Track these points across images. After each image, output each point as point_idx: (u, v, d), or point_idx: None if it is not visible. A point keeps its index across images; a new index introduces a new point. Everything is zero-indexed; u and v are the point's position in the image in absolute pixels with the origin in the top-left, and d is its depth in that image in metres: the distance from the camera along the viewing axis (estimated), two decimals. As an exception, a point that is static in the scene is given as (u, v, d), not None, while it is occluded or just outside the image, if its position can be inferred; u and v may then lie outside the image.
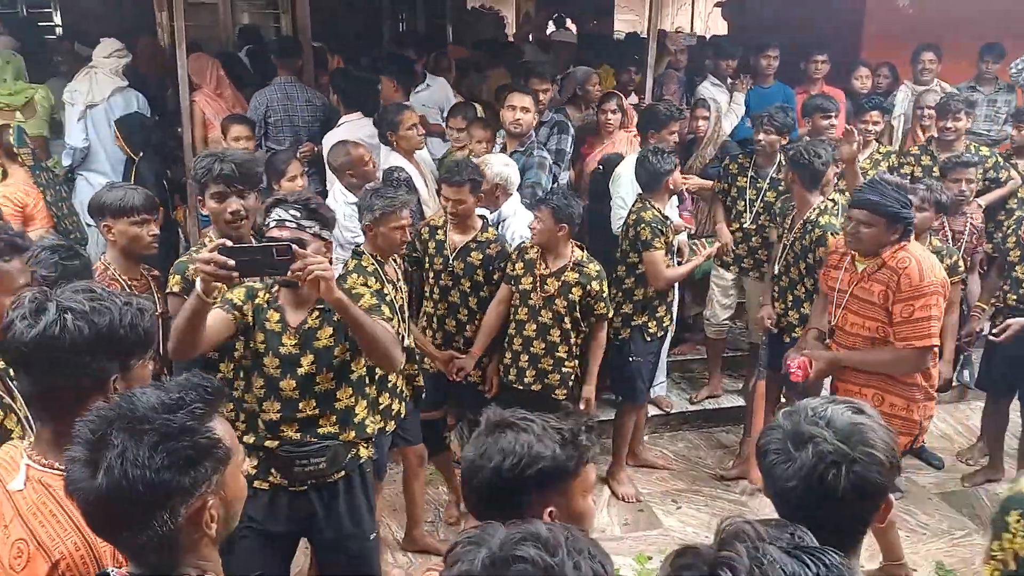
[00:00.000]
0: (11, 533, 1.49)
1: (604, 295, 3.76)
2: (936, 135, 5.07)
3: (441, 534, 4.01)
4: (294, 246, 2.19)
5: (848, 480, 1.40)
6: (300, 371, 2.51)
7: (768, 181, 4.68)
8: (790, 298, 4.12)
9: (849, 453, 1.41)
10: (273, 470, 2.57)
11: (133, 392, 1.30)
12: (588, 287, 3.70)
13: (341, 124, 4.78)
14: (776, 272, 4.19)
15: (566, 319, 3.72)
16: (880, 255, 3.11)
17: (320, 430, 2.56)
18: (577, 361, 3.85)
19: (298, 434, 2.54)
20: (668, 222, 4.14)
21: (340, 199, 3.98)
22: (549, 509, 1.49)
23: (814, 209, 3.99)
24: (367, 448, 2.72)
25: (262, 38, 7.82)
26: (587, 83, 5.77)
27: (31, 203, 4.15)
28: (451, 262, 3.74)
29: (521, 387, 3.79)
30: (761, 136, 4.59)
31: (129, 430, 1.21)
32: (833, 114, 4.82)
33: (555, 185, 4.50)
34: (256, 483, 2.55)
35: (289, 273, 2.19)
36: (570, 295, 3.70)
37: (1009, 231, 4.22)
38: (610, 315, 3.90)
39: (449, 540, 3.33)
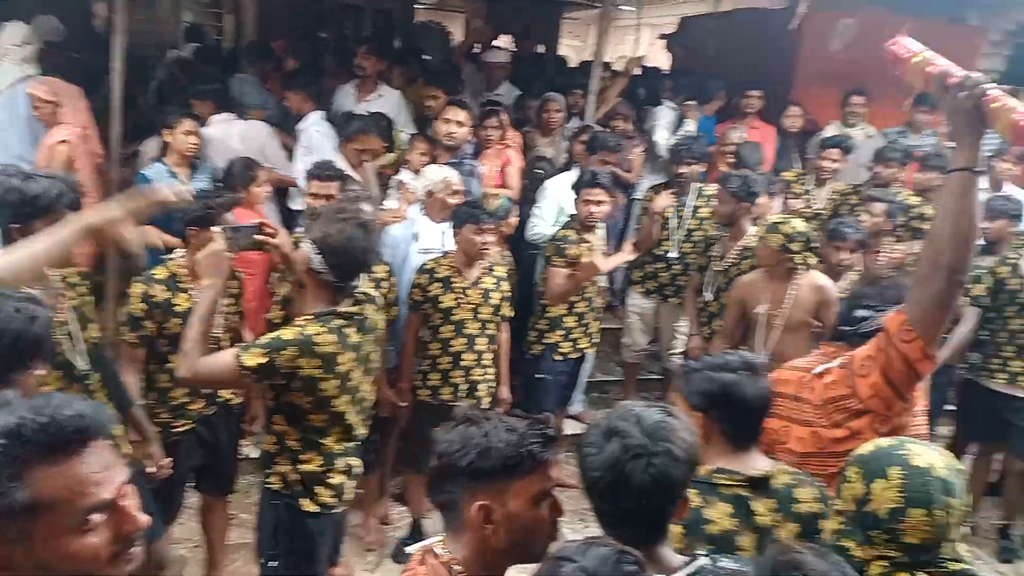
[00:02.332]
0: None
1: (509, 296, 3.82)
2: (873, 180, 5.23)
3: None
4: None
5: (648, 473, 1.49)
6: None
7: (690, 210, 4.81)
8: (718, 324, 4.22)
9: (651, 447, 1.50)
10: None
11: None
12: (500, 287, 3.75)
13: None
14: (707, 299, 4.29)
15: (490, 324, 3.75)
16: None
17: None
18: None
19: None
20: (580, 242, 4.13)
21: None
22: (479, 503, 1.52)
23: (751, 236, 4.15)
24: None
25: (205, 38, 7.68)
26: (544, 109, 5.68)
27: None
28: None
29: (458, 403, 3.76)
30: (684, 168, 4.74)
31: None
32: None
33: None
34: None
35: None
36: (491, 299, 3.73)
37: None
38: (511, 316, 3.92)
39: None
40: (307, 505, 2.59)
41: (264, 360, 2.35)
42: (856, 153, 5.63)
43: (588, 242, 4.18)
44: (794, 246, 3.66)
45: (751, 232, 4.17)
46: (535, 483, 1.55)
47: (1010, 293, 4.07)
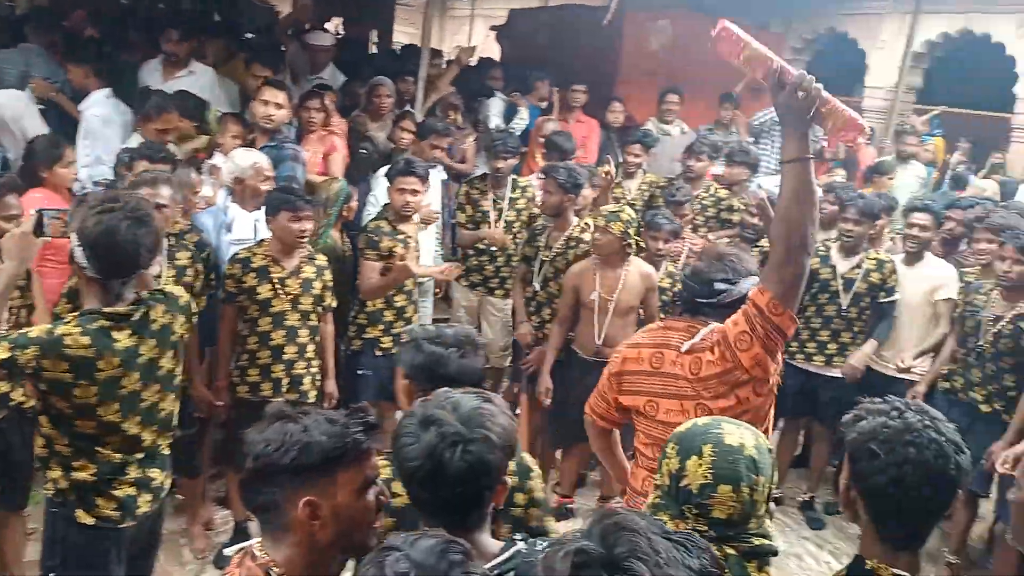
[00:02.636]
0: None
1: (331, 285, 3.72)
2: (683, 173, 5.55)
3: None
4: None
5: (463, 459, 1.52)
6: None
7: (507, 202, 4.88)
8: (547, 312, 4.32)
9: (467, 434, 1.53)
10: None
11: None
12: (322, 276, 3.65)
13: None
14: (536, 288, 4.37)
15: (312, 315, 3.64)
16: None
17: None
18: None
19: None
20: (395, 234, 4.05)
21: None
22: (305, 500, 1.48)
23: (576, 226, 4.25)
24: None
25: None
26: (374, 94, 5.62)
27: None
28: None
29: (280, 399, 3.62)
30: (500, 163, 4.79)
31: None
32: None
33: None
34: None
35: None
36: (313, 289, 3.62)
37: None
38: (334, 305, 3.82)
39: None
40: (83, 517, 2.40)
41: (6, 356, 2.17)
42: (672, 148, 5.97)
43: (403, 233, 4.08)
44: (631, 233, 3.87)
45: (574, 223, 4.30)
46: (360, 472, 1.54)
47: (822, 282, 4.39)
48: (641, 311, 4.09)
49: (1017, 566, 3.27)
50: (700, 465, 1.67)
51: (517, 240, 4.75)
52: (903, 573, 1.52)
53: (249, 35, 7.01)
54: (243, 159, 3.89)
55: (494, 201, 4.85)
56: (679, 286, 4.15)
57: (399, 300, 4.13)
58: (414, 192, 4.01)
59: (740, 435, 1.71)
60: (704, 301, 2.43)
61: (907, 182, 6.60)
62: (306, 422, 1.51)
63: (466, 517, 1.58)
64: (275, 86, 4.48)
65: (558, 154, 5.08)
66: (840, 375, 4.42)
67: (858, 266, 4.36)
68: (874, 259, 4.37)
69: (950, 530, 4.12)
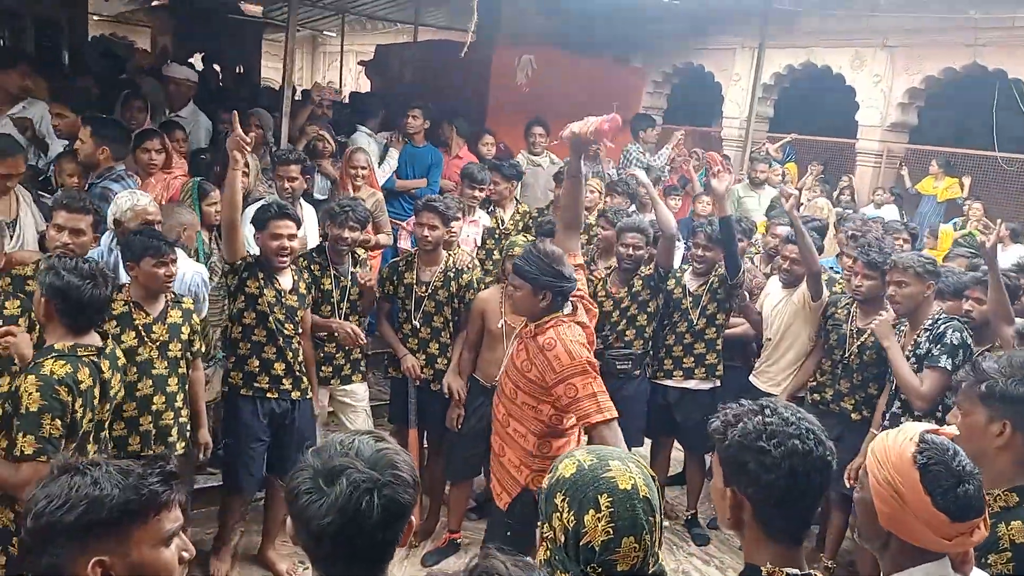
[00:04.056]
0: None
1: (199, 329, 3.56)
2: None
3: None
4: None
5: (380, 505, 1.45)
6: None
7: (351, 280, 4.21)
8: (435, 346, 4.25)
9: (379, 478, 1.47)
10: None
11: None
12: (190, 321, 3.48)
13: None
14: (415, 324, 4.27)
15: (181, 363, 3.44)
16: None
17: None
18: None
19: None
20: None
21: None
22: (97, 559, 1.37)
23: (448, 258, 4.25)
24: None
25: None
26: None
27: None
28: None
29: (148, 451, 3.38)
30: (345, 232, 4.04)
31: None
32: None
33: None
34: None
35: None
36: (182, 335, 3.43)
37: (599, 285, 4.86)
38: (203, 351, 3.66)
39: None
40: None
41: None
42: (544, 179, 6.11)
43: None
44: None
45: (445, 255, 4.26)
46: (161, 525, 1.44)
47: (675, 301, 4.57)
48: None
49: (873, 563, 3.44)
50: (599, 519, 1.59)
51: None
52: (796, 571, 1.52)
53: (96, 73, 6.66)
54: (123, 201, 3.66)
55: (336, 279, 4.14)
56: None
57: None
58: (292, 236, 3.74)
59: (629, 474, 1.65)
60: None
61: (763, 205, 7.03)
62: (96, 474, 1.40)
63: (377, 563, 1.51)
64: (86, 124, 4.28)
65: (474, 184, 5.10)
66: (695, 388, 4.54)
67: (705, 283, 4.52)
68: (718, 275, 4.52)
69: (827, 535, 4.29)
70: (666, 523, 4.67)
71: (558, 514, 1.65)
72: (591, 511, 1.60)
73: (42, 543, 1.37)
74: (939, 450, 1.56)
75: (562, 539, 1.64)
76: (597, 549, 1.58)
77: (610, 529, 1.58)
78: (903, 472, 1.56)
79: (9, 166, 3.68)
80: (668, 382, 4.59)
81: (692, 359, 4.55)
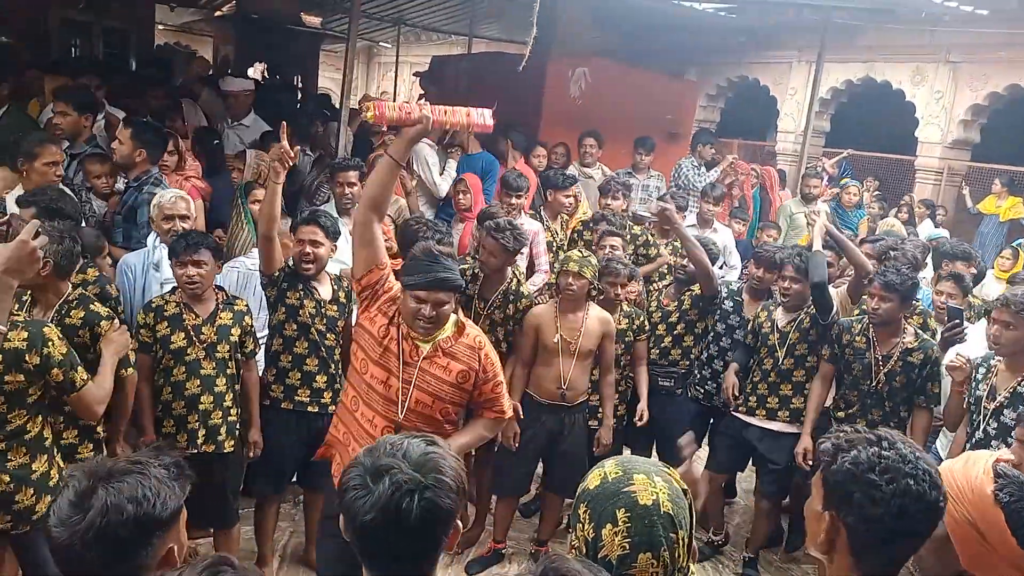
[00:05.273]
0: None
1: (253, 332, 3.60)
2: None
3: None
4: None
5: (420, 507, 1.48)
6: None
7: None
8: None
9: (422, 481, 1.50)
10: None
11: None
12: (242, 322, 3.54)
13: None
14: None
15: (230, 364, 3.51)
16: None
17: None
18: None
19: None
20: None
21: None
22: (170, 546, 1.53)
23: (509, 280, 4.13)
24: None
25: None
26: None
27: None
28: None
29: (195, 451, 3.46)
30: None
31: None
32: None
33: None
34: None
35: None
36: (231, 336, 3.50)
37: (652, 297, 4.85)
38: (259, 351, 3.70)
39: None
40: None
41: None
42: (595, 191, 6.09)
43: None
44: (595, 278, 3.97)
45: (509, 276, 4.12)
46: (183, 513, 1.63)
47: (763, 336, 4.24)
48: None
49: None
50: (616, 534, 1.57)
51: None
52: None
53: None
54: (153, 199, 3.79)
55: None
56: (637, 326, 4.28)
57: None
58: (315, 243, 3.63)
59: (653, 489, 1.60)
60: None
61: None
62: (156, 474, 1.56)
63: (420, 565, 1.54)
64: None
65: (510, 191, 5.10)
66: (778, 431, 4.23)
67: (793, 320, 4.21)
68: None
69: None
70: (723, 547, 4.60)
71: (580, 525, 1.64)
72: (608, 525, 1.57)
73: (145, 536, 1.52)
74: (1018, 485, 1.52)
75: (583, 550, 1.64)
76: (614, 563, 1.56)
77: (626, 544, 1.55)
78: (984, 511, 1.51)
79: (55, 154, 3.85)
80: (751, 419, 4.29)
81: (776, 400, 4.22)
